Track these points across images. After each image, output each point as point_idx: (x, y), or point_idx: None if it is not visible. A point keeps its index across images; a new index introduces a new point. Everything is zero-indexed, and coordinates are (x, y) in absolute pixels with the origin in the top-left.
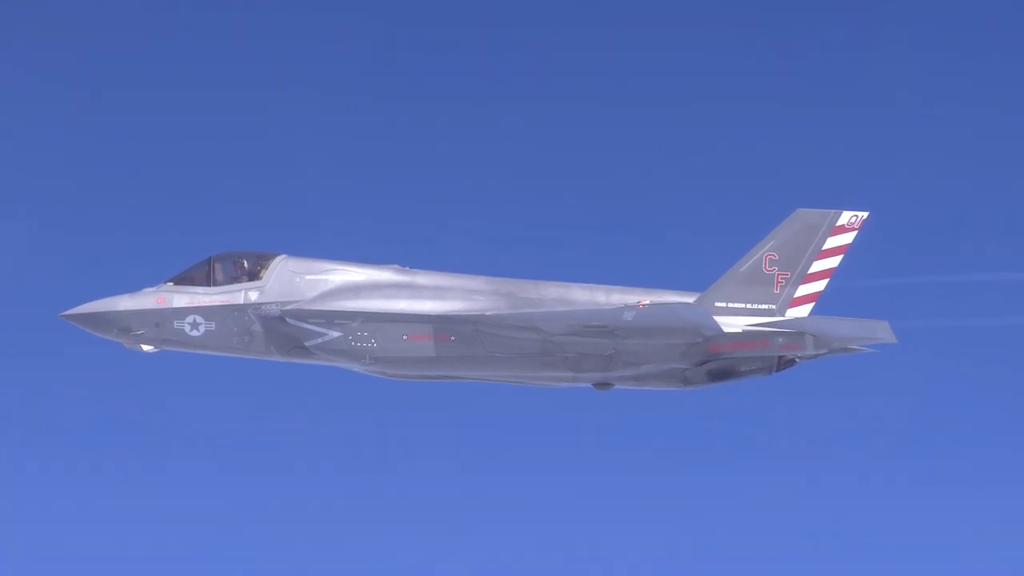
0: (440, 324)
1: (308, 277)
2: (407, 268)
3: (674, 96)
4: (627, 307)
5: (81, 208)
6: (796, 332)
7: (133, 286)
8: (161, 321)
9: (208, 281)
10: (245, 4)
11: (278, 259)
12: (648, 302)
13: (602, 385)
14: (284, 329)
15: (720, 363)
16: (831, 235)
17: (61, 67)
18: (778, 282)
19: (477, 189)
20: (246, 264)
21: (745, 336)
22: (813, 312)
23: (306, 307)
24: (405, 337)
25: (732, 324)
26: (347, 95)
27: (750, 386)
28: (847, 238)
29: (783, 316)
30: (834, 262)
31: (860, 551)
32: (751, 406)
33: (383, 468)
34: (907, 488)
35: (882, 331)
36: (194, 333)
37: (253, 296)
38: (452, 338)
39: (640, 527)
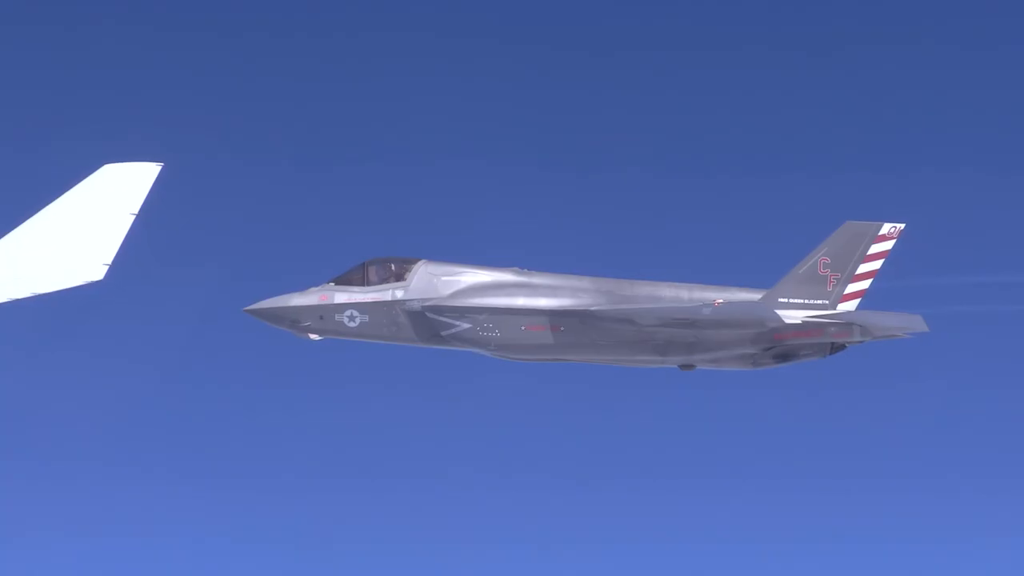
0: (553, 317)
1: (444, 278)
2: (525, 270)
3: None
4: (705, 304)
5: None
6: (845, 323)
7: (300, 284)
8: (325, 314)
9: (363, 281)
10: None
11: (419, 263)
12: (722, 301)
13: (686, 366)
14: (424, 321)
15: (783, 348)
16: (874, 243)
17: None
18: (831, 281)
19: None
20: (393, 268)
21: (803, 326)
22: (860, 306)
23: (442, 303)
24: (524, 328)
25: (792, 316)
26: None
27: (807, 367)
28: (887, 245)
29: (835, 309)
30: (877, 264)
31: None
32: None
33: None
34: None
35: (916, 323)
36: (352, 324)
37: (399, 294)
38: (562, 328)
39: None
